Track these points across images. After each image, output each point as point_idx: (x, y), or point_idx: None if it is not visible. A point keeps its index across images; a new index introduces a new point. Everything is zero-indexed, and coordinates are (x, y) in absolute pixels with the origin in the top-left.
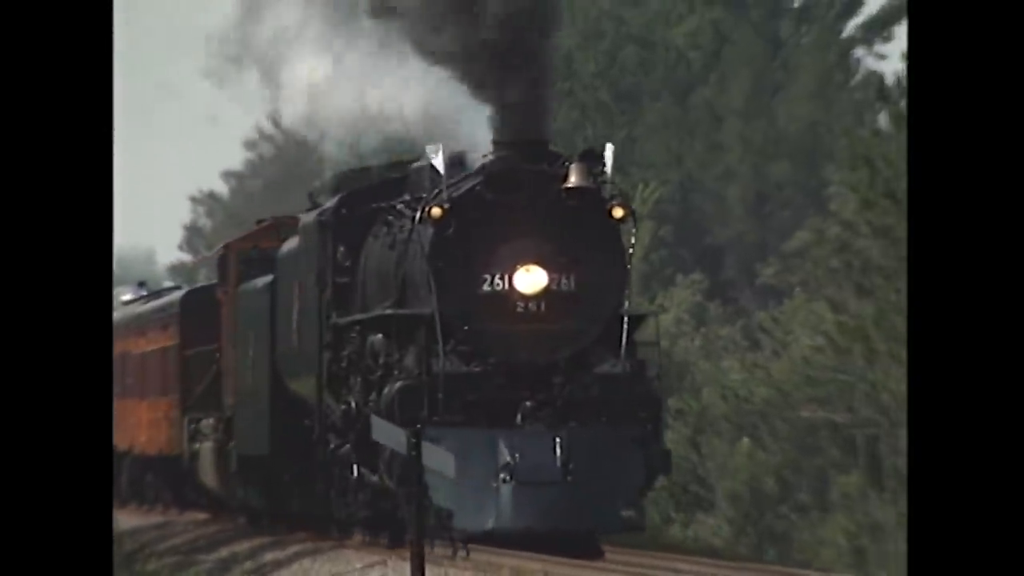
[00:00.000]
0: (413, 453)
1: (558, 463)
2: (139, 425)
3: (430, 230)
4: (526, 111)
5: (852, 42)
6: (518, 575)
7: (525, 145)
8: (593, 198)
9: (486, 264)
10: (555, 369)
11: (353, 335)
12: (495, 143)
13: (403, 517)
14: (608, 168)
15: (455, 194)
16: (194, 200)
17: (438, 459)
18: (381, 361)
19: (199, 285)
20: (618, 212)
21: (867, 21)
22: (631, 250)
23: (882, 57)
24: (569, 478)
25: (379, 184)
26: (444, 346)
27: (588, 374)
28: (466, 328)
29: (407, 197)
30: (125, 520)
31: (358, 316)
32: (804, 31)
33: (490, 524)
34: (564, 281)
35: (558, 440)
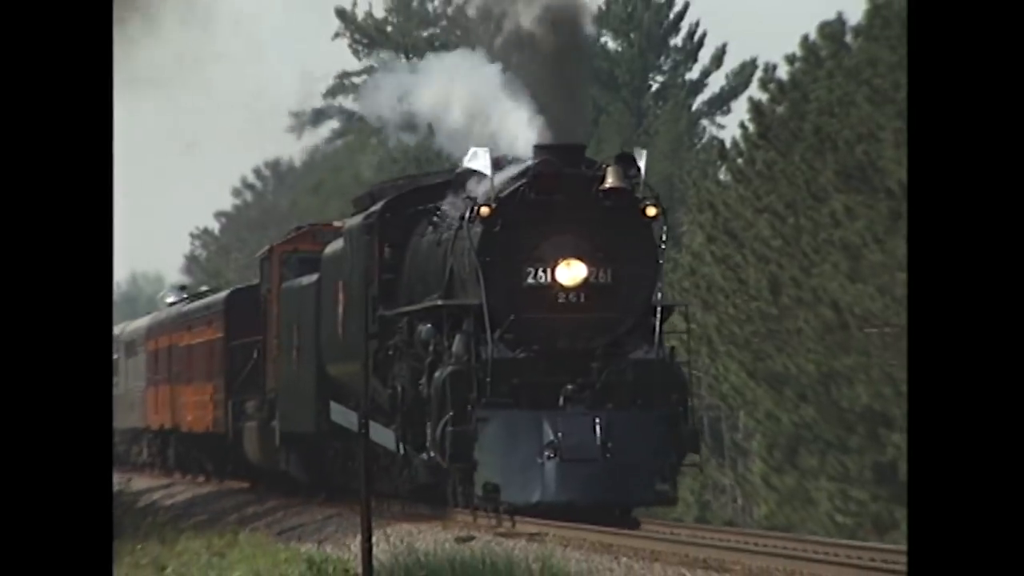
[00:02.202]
0: (363, 431)
1: (597, 442)
2: (186, 407)
3: (478, 227)
4: (566, 119)
5: (698, 114)
6: (444, 526)
7: (565, 149)
8: (628, 198)
9: (530, 258)
10: (593, 355)
11: (401, 325)
12: (537, 147)
13: (446, 490)
14: (641, 171)
15: (502, 194)
16: (192, 235)
17: (383, 436)
18: (431, 348)
19: (242, 286)
20: (651, 211)
21: (709, 99)
22: (662, 246)
23: (722, 127)
24: (608, 455)
25: (422, 188)
26: (491, 334)
27: (623, 360)
28: (512, 317)
29: (451, 198)
30: (141, 482)
31: (407, 308)
32: (661, 106)
33: (536, 497)
34: (602, 274)
35: (597, 420)
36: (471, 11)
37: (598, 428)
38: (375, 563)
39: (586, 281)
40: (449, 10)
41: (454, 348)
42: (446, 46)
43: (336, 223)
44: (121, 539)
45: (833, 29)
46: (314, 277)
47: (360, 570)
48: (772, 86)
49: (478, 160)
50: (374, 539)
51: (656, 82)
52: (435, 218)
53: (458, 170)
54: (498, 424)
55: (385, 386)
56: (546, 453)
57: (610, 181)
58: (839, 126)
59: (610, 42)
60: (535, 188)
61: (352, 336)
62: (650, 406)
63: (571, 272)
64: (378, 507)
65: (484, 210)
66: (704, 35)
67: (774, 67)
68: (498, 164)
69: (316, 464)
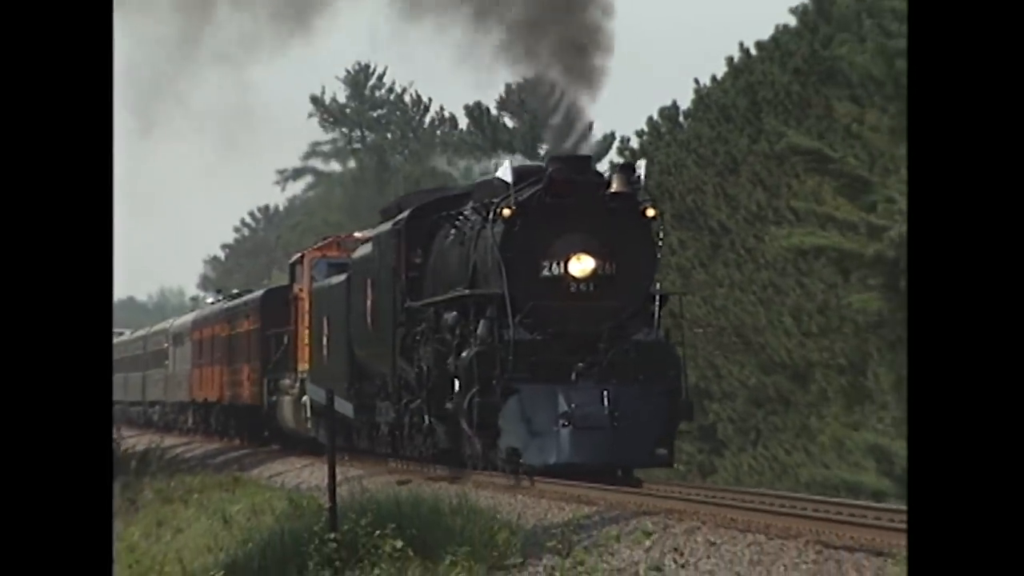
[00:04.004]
0: (330, 403)
1: (605, 412)
2: (226, 384)
3: (500, 227)
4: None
5: None
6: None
7: (575, 159)
8: (630, 201)
9: (546, 253)
10: (601, 337)
11: (427, 314)
12: (551, 158)
13: (464, 455)
14: (641, 178)
15: (521, 198)
16: (204, 260)
17: (344, 407)
18: (457, 332)
19: (274, 286)
20: (650, 212)
21: None
22: (660, 242)
23: None
24: (614, 424)
25: (443, 199)
26: (512, 319)
27: (627, 341)
28: (530, 304)
29: (473, 204)
30: (169, 441)
31: (434, 298)
32: None
33: (552, 460)
34: (608, 267)
35: (605, 393)
36: (407, 98)
37: (606, 400)
38: (338, 499)
39: (594, 273)
40: (391, 96)
41: (479, 332)
42: (390, 122)
43: (357, 234)
44: (156, 479)
45: (670, 112)
46: (343, 277)
47: (327, 505)
48: (627, 153)
49: (502, 169)
50: (337, 481)
51: (543, 149)
52: (458, 221)
53: (478, 180)
54: (519, 397)
55: (412, 366)
56: (561, 422)
57: (615, 186)
58: (675, 182)
59: (508, 120)
60: (550, 192)
61: (380, 325)
62: (650, 381)
63: (581, 265)
64: (400, 466)
65: (506, 211)
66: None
67: (628, 139)
68: (528, 172)
69: (343, 431)
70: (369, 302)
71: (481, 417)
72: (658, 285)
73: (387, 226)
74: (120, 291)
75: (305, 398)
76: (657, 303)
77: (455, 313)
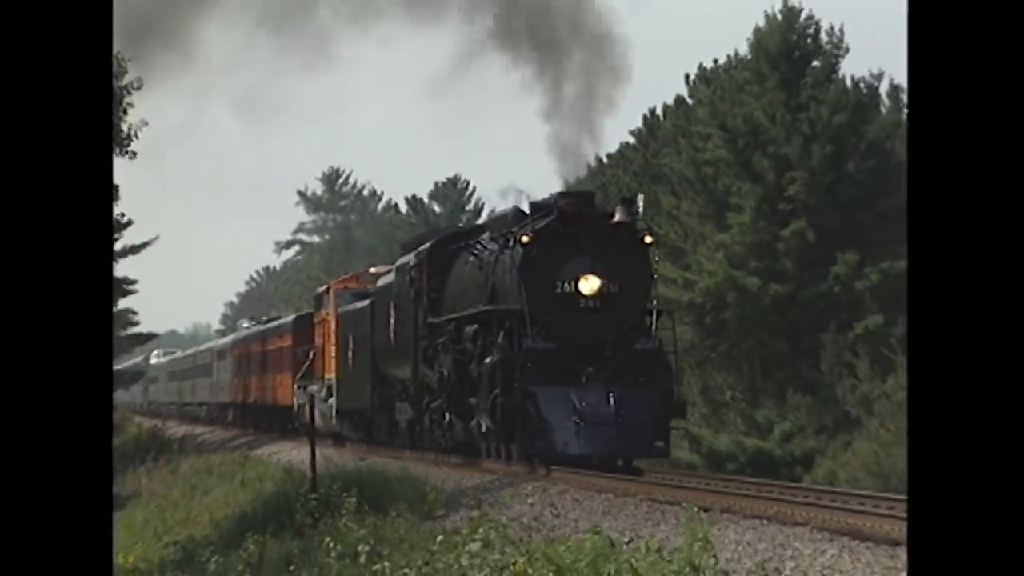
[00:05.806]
0: (311, 404)
1: (611, 410)
2: (262, 389)
3: (519, 251)
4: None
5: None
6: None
7: (581, 195)
8: (631, 229)
9: (559, 274)
10: (606, 346)
11: (449, 328)
12: (559, 194)
13: (478, 446)
14: (640, 210)
15: (537, 227)
16: (224, 304)
17: (325, 407)
18: (478, 343)
19: (301, 313)
20: (647, 239)
21: None
22: (655, 265)
23: None
24: (619, 420)
25: (458, 233)
26: (531, 330)
27: (628, 349)
28: (545, 318)
29: (490, 234)
30: (198, 430)
31: (457, 314)
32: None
33: (566, 451)
34: (612, 286)
35: (611, 394)
36: (365, 192)
37: (612, 400)
38: (317, 470)
39: (600, 291)
40: (354, 191)
41: (499, 342)
42: (353, 209)
43: (372, 269)
44: (186, 456)
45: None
46: (366, 302)
47: (310, 474)
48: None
49: (520, 203)
50: (317, 458)
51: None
52: (476, 249)
53: (492, 215)
54: (537, 397)
55: (433, 372)
56: (573, 418)
57: (618, 216)
58: None
59: (437, 207)
60: (562, 222)
61: (402, 339)
62: (649, 384)
63: (589, 284)
64: (421, 457)
65: (525, 238)
66: (483, 206)
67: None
68: (540, 206)
69: (364, 427)
70: (392, 321)
71: (503, 415)
72: (655, 301)
73: (408, 257)
74: (165, 325)
75: (330, 400)
76: (654, 317)
77: (476, 326)
